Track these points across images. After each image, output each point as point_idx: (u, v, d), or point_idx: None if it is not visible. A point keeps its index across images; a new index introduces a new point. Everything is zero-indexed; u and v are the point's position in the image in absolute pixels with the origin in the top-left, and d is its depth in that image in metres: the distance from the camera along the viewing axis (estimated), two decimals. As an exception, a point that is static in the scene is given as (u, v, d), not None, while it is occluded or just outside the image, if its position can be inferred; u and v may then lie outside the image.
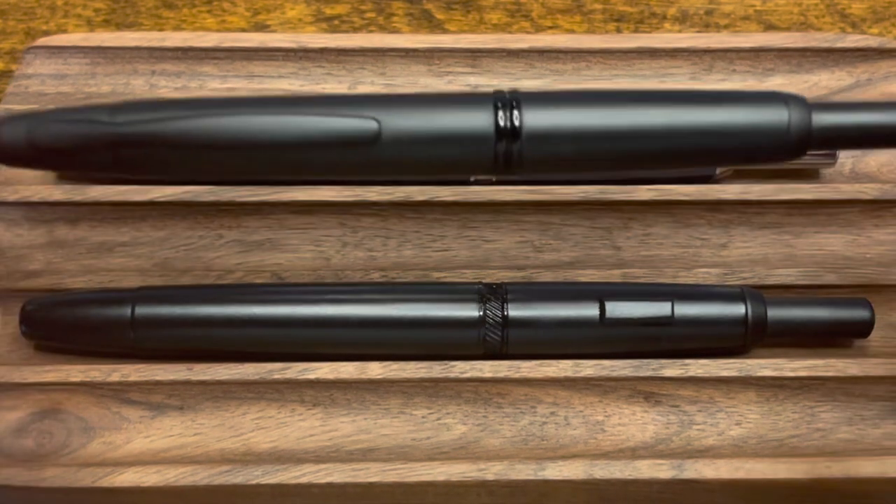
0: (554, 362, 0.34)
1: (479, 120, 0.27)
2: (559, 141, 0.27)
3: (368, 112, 0.27)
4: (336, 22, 0.47)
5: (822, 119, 0.28)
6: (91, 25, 0.46)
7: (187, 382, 0.34)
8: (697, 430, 0.34)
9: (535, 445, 0.34)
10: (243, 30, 0.46)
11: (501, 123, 0.27)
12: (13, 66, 0.44)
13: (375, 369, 0.34)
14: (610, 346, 0.35)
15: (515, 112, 0.27)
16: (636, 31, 0.46)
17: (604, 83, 0.40)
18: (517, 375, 0.34)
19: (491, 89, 0.29)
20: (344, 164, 0.27)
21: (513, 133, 0.27)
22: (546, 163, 0.28)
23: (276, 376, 0.34)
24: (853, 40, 0.40)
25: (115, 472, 0.32)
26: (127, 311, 0.34)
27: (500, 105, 0.27)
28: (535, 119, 0.27)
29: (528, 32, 0.46)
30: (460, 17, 0.47)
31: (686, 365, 0.34)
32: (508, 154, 0.27)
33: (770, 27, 0.46)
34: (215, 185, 0.37)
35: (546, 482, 0.32)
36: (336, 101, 0.28)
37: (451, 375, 0.34)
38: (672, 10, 0.47)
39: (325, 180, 0.37)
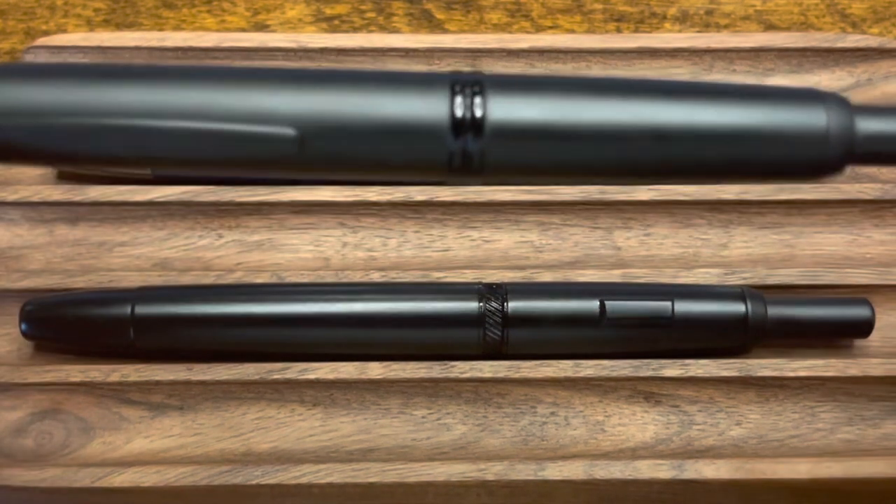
0: (554, 362, 0.34)
1: (429, 109, 0.21)
2: (534, 139, 0.21)
3: (284, 113, 0.21)
4: (336, 22, 0.47)
5: (870, 126, 0.22)
6: (91, 25, 0.46)
7: (187, 382, 0.34)
8: (698, 430, 0.34)
9: (535, 445, 0.34)
10: (243, 30, 0.46)
11: (459, 114, 0.21)
12: (13, 66, 0.44)
13: (375, 369, 0.34)
14: (610, 345, 0.34)
15: (478, 99, 0.21)
16: (636, 31, 0.46)
17: (604, 83, 0.40)
18: (517, 375, 0.34)
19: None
20: (261, 171, 0.23)
21: (474, 127, 0.21)
22: (515, 167, 0.22)
23: (276, 376, 0.34)
24: (853, 40, 0.40)
25: (115, 473, 0.32)
26: (127, 310, 0.34)
27: (457, 89, 0.21)
28: (503, 110, 0.21)
29: (528, 32, 0.46)
30: (460, 16, 0.47)
31: (686, 365, 0.34)
32: (467, 155, 0.21)
33: (770, 27, 0.46)
34: (215, 184, 0.37)
35: (546, 482, 0.32)
36: (248, 95, 0.21)
37: (451, 375, 0.34)
38: (672, 10, 0.47)
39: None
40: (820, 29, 0.46)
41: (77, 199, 0.36)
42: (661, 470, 0.32)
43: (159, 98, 0.21)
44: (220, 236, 0.37)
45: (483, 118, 0.22)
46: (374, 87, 0.22)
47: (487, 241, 0.37)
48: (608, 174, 0.23)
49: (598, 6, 0.47)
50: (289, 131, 0.21)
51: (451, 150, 0.22)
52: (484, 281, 0.35)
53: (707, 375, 0.34)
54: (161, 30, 0.45)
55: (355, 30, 0.46)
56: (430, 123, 0.22)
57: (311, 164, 0.22)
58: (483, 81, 0.22)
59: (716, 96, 0.23)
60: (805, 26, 0.46)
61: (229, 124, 0.21)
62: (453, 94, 0.22)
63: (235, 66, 0.23)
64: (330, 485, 0.32)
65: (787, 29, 0.46)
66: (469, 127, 0.22)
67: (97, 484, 0.32)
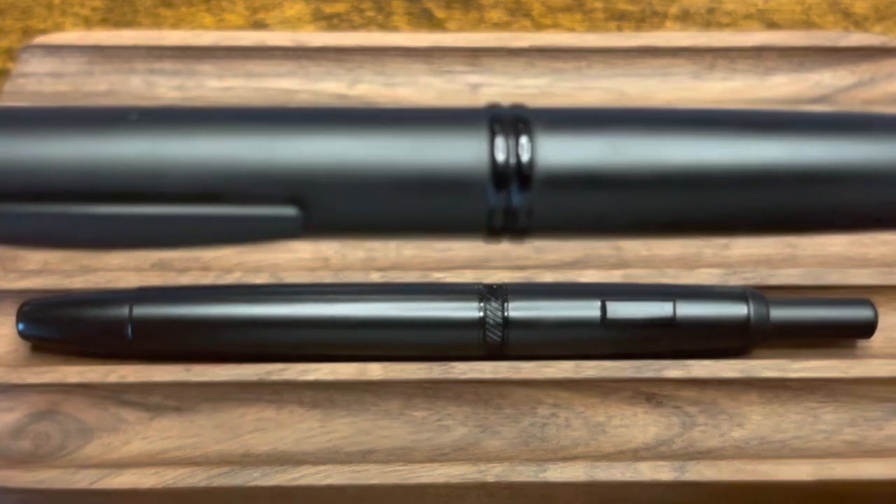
0: (555, 363, 0.34)
1: (463, 153, 0.16)
2: (598, 189, 0.16)
3: (284, 190, 0.16)
4: (335, 20, 0.46)
5: None
6: (89, 24, 0.46)
7: (185, 384, 0.34)
8: (699, 431, 0.34)
9: (536, 447, 0.33)
10: (242, 28, 0.46)
11: (501, 158, 0.16)
12: (10, 65, 0.44)
13: (375, 370, 0.34)
14: (611, 346, 0.34)
15: (524, 140, 0.16)
16: (637, 29, 0.46)
17: (605, 82, 0.40)
18: (518, 376, 0.34)
19: (485, 102, 0.17)
20: (264, 242, 0.19)
21: (520, 174, 0.16)
22: (571, 225, 0.17)
23: (275, 377, 0.34)
24: (856, 39, 0.40)
25: (113, 474, 0.32)
26: (125, 311, 0.33)
27: (498, 127, 0.16)
28: (557, 152, 0.16)
29: (528, 31, 0.46)
30: (460, 15, 0.47)
31: (688, 366, 0.34)
32: (512, 213, 0.16)
33: (772, 26, 0.46)
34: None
35: (547, 484, 0.32)
36: (245, 176, 0.17)
37: (452, 377, 0.34)
38: (674, 9, 0.46)
39: None
40: (822, 27, 0.46)
41: (75, 198, 0.36)
42: (662, 471, 0.32)
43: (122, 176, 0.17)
44: (219, 236, 0.37)
45: (531, 164, 0.16)
46: (391, 128, 0.17)
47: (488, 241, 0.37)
48: (693, 227, 0.17)
49: (599, 5, 0.47)
50: (290, 212, 0.17)
51: (492, 206, 0.17)
52: (484, 282, 0.35)
53: (709, 376, 0.34)
54: (159, 28, 0.45)
55: (354, 28, 0.46)
56: (465, 172, 0.16)
57: (317, 230, 0.18)
58: (528, 117, 0.16)
59: (815, 127, 0.17)
60: (807, 25, 0.46)
61: (226, 206, 0.17)
62: (493, 133, 0.16)
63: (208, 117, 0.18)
64: (329, 486, 0.32)
65: (790, 28, 0.46)
66: (513, 175, 0.16)
67: (95, 486, 0.32)
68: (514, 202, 0.16)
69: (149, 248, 0.19)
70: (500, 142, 0.17)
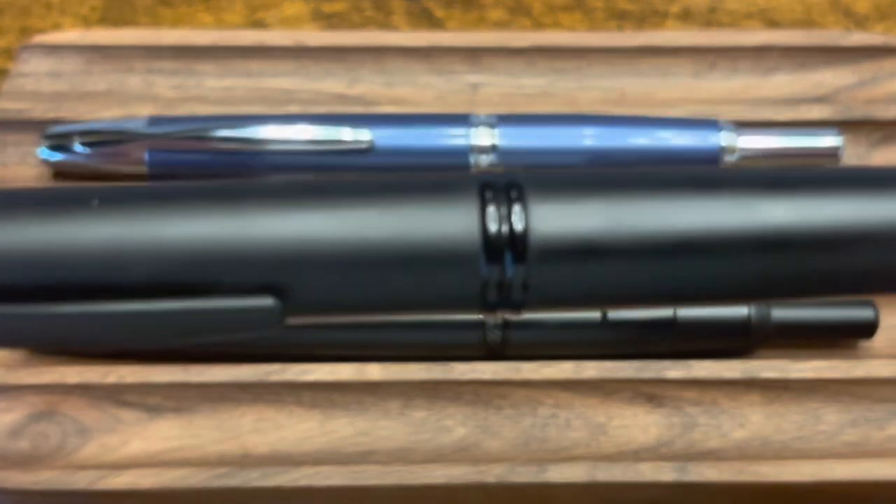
0: (555, 363, 0.34)
1: (451, 224, 0.16)
2: (598, 260, 0.16)
3: (258, 277, 0.16)
4: (334, 20, 0.46)
5: None
6: (87, 23, 0.46)
7: (184, 384, 0.33)
8: (700, 432, 0.34)
9: (537, 448, 0.33)
10: (241, 28, 0.46)
11: (493, 228, 0.16)
12: (9, 65, 0.44)
13: (374, 371, 0.33)
14: (612, 347, 0.34)
15: (517, 207, 0.16)
16: (638, 29, 0.46)
17: (605, 82, 0.40)
18: (518, 377, 0.34)
19: (482, 166, 0.18)
20: (239, 336, 0.17)
21: (513, 246, 0.16)
22: (570, 299, 0.17)
23: (274, 378, 0.33)
24: (857, 38, 0.40)
25: (112, 475, 0.32)
26: (123, 311, 0.33)
27: (489, 196, 0.16)
28: (552, 220, 0.16)
29: (528, 30, 0.46)
30: (460, 14, 0.46)
31: (689, 366, 0.34)
32: (506, 286, 0.16)
33: (773, 25, 0.46)
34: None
35: (547, 485, 0.32)
36: (210, 264, 0.16)
37: (452, 377, 0.34)
38: (675, 8, 0.46)
39: None
40: (823, 27, 0.46)
41: (73, 198, 0.36)
42: (663, 472, 0.32)
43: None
44: (218, 236, 0.37)
45: (526, 233, 0.16)
46: (371, 201, 0.16)
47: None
48: (705, 297, 0.18)
49: (600, 4, 0.47)
50: (267, 303, 0.16)
51: (485, 278, 0.16)
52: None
53: (710, 377, 0.34)
54: (158, 28, 0.45)
55: (354, 28, 0.46)
56: (454, 244, 0.16)
57: (298, 317, 0.17)
58: (522, 183, 0.16)
59: (838, 185, 0.17)
60: (808, 24, 0.46)
61: (196, 300, 0.16)
62: (483, 201, 0.16)
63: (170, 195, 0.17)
64: (329, 487, 0.32)
65: (791, 27, 0.46)
66: (507, 246, 0.16)
67: (94, 486, 0.32)
68: (508, 275, 0.16)
69: (105, 346, 0.18)
70: (491, 210, 0.16)
